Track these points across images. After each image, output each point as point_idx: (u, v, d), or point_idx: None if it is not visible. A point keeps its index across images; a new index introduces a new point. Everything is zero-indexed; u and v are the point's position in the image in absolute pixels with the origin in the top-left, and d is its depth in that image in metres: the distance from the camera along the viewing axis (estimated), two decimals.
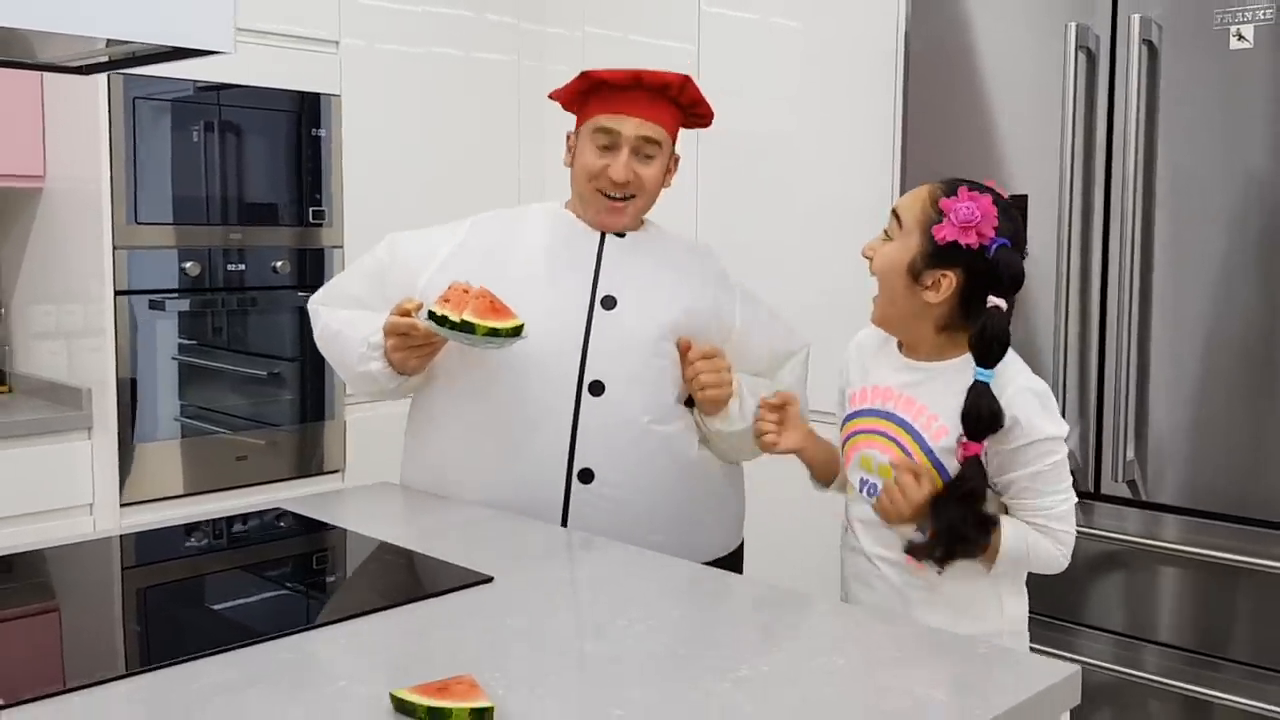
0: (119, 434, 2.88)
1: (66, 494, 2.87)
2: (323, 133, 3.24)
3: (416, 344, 1.87)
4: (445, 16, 3.47)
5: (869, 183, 2.94)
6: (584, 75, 1.96)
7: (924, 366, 1.70)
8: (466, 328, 1.78)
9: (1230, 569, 2.31)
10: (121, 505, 2.89)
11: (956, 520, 1.57)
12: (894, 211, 1.69)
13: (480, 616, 1.44)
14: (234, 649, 1.31)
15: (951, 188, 1.65)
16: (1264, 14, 2.24)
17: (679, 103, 2.02)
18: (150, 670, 1.25)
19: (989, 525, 1.61)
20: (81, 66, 1.62)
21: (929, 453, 1.64)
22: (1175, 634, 2.40)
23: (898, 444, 1.67)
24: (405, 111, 3.39)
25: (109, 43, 1.44)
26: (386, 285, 2.03)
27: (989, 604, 1.69)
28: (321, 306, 2.12)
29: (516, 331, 1.81)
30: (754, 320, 2.10)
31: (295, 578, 1.70)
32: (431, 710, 1.13)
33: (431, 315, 1.81)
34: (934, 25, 2.72)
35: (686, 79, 1.98)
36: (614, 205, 1.98)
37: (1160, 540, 2.39)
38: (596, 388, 1.92)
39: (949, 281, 1.63)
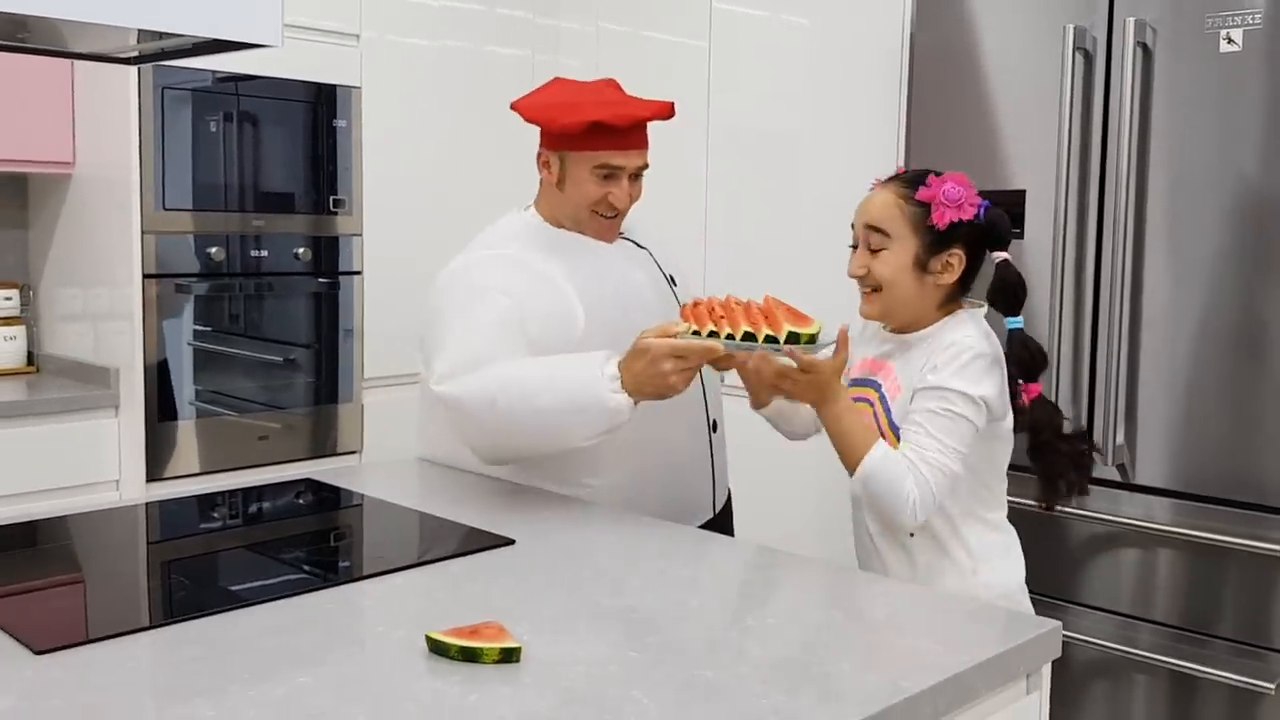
0: (145, 413, 2.99)
1: (94, 470, 2.98)
2: (343, 123, 3.34)
3: (694, 364, 1.78)
4: (462, 11, 3.57)
5: (873, 179, 3.03)
6: (596, 122, 1.95)
7: (901, 337, 1.82)
8: (789, 339, 1.71)
9: (1217, 549, 2.41)
10: (147, 481, 3.00)
11: (1050, 455, 1.72)
12: (869, 226, 1.78)
13: (504, 573, 1.54)
14: (273, 600, 1.41)
15: (915, 181, 1.78)
16: (1252, 18, 2.33)
17: None
18: (205, 615, 1.35)
19: (1079, 442, 1.76)
20: (129, 58, 1.71)
21: (888, 411, 1.78)
22: (1164, 612, 2.50)
23: (870, 405, 1.82)
24: (424, 104, 3.50)
25: (154, 35, 1.52)
26: (526, 327, 1.91)
27: (962, 574, 1.77)
28: (462, 377, 1.85)
29: (813, 339, 1.72)
30: None
31: (325, 541, 1.80)
32: (464, 649, 1.23)
33: (727, 335, 1.75)
34: (938, 26, 2.81)
35: (672, 107, 2.05)
36: (611, 223, 2.07)
37: (1150, 522, 2.49)
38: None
39: (959, 259, 1.76)
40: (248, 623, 1.34)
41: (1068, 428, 1.81)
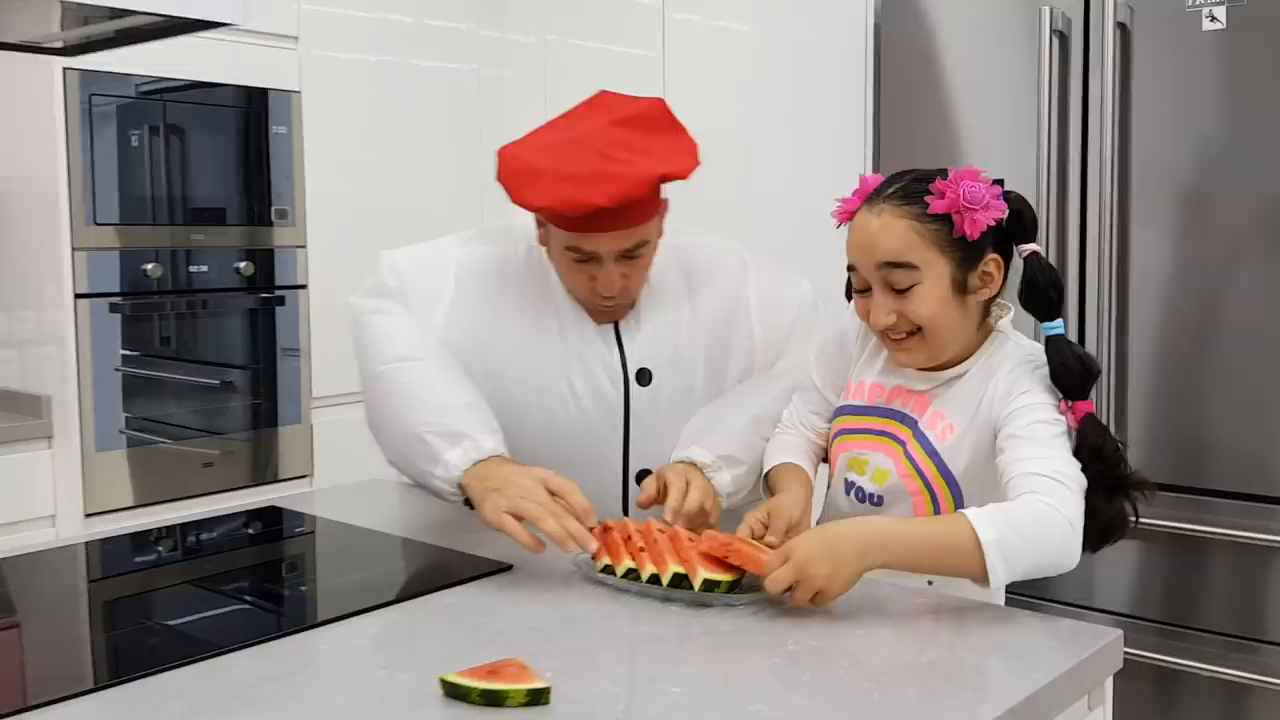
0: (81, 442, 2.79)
1: (27, 505, 2.76)
2: (282, 130, 3.16)
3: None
4: (398, 23, 3.42)
5: (842, 179, 2.91)
6: (543, 208, 1.61)
7: (941, 374, 1.56)
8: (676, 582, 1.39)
9: (1207, 541, 2.35)
10: (85, 516, 2.79)
11: (1094, 492, 1.41)
12: (887, 264, 1.49)
13: (509, 603, 1.40)
14: (256, 644, 1.26)
15: (914, 193, 1.50)
16: None
17: None
18: (190, 662, 1.19)
19: (1131, 479, 1.45)
20: (62, 47, 1.55)
21: (933, 454, 1.53)
22: (1158, 609, 2.43)
23: (899, 441, 1.56)
24: (367, 109, 3.33)
25: (104, 13, 1.37)
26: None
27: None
28: (378, 300, 1.75)
29: (733, 586, 1.39)
30: (773, 327, 1.83)
31: (302, 575, 1.64)
32: (486, 693, 1.09)
33: (608, 568, 1.45)
34: (905, 14, 2.73)
35: (661, 176, 1.61)
36: (610, 309, 1.73)
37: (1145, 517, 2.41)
38: (643, 477, 1.72)
39: (996, 263, 1.51)
40: (234, 671, 1.18)
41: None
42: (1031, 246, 1.51)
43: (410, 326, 1.72)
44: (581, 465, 1.65)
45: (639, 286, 1.74)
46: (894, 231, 1.48)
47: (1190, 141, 2.35)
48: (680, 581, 1.38)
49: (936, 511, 1.53)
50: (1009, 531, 1.31)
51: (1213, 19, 2.31)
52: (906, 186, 1.52)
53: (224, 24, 1.31)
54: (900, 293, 1.49)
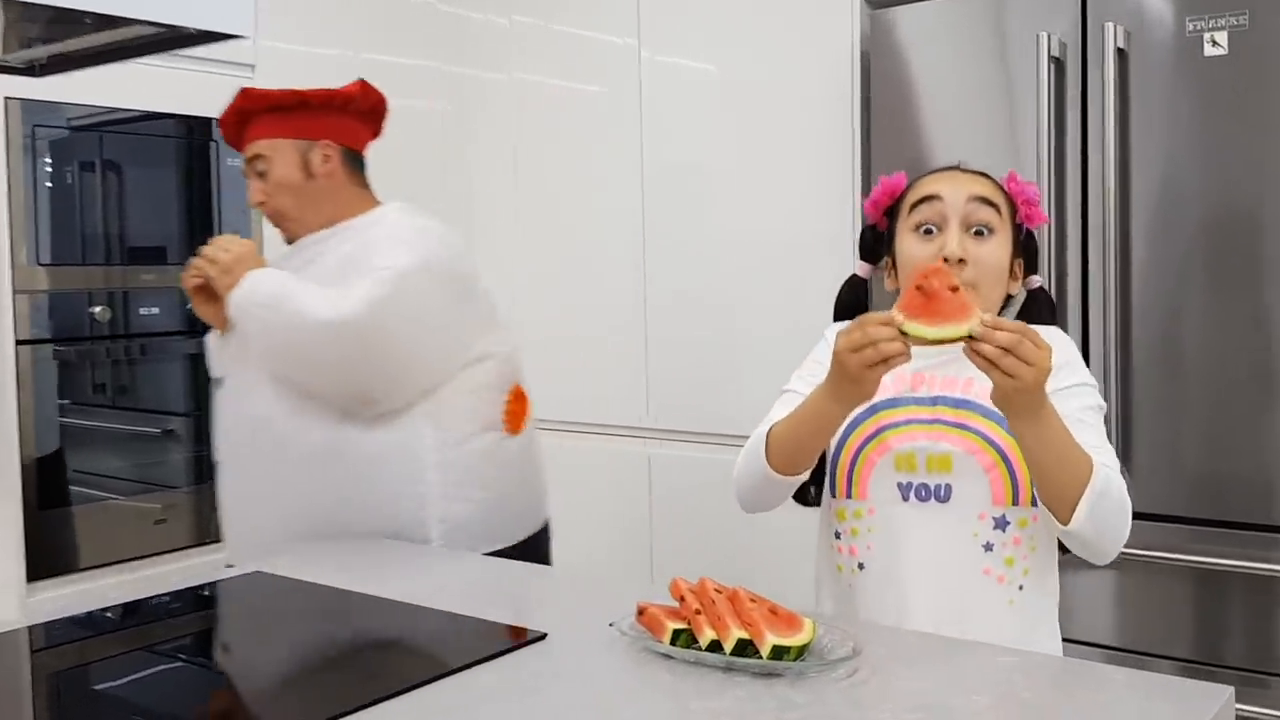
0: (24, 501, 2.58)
1: None
2: (236, 162, 2.99)
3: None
4: (360, 57, 3.28)
5: (830, 211, 2.83)
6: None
7: (950, 350, 1.37)
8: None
9: (1217, 574, 2.30)
10: (28, 581, 2.58)
11: None
12: (980, 198, 1.46)
13: (552, 679, 1.26)
14: None
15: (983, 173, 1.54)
16: (1239, 19, 2.24)
17: (286, 109, 2.11)
18: None
19: None
20: (37, 63, 1.40)
21: (993, 416, 1.40)
22: (1164, 643, 2.37)
23: (966, 428, 1.44)
24: None
25: (89, 24, 1.22)
26: None
27: (1045, 628, 1.55)
28: None
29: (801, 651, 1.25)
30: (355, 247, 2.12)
31: (319, 650, 1.47)
32: None
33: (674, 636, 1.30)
34: (892, 42, 2.66)
35: (245, 89, 2.10)
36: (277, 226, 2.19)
37: (1149, 550, 2.34)
38: (217, 382, 2.10)
39: (1021, 268, 1.55)
40: None
41: None
42: (1039, 279, 1.60)
43: None
44: None
45: (272, 201, 2.18)
46: (983, 181, 1.51)
47: (1193, 167, 2.30)
48: (744, 649, 1.25)
49: (1014, 487, 1.43)
50: (1108, 497, 1.32)
51: (1214, 43, 2.27)
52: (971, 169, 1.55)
53: (231, 36, 1.16)
54: (977, 236, 1.46)
